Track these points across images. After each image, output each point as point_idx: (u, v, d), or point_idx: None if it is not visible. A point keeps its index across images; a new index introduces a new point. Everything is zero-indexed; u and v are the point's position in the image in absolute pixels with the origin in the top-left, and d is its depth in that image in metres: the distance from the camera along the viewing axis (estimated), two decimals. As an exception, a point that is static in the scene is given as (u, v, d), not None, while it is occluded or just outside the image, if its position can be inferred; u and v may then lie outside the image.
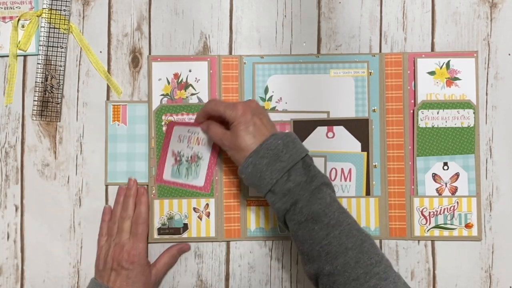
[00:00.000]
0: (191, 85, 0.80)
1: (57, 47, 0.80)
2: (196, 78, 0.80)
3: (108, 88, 0.81)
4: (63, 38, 0.80)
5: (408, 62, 0.79)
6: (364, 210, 0.79)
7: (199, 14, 0.82)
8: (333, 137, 0.79)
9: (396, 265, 0.79)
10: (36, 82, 0.81)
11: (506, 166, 0.79)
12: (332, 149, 0.79)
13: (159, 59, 0.80)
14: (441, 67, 0.79)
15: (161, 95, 0.80)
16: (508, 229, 0.79)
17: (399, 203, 0.79)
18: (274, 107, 0.80)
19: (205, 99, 0.80)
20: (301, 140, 0.79)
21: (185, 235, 0.79)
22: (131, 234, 0.75)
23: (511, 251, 0.79)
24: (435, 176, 0.78)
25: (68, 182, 0.80)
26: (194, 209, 0.79)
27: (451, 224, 0.78)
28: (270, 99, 0.80)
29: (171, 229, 0.79)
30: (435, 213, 0.78)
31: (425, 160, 0.78)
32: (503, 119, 0.80)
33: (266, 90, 0.80)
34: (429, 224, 0.78)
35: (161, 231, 0.79)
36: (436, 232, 0.78)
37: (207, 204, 0.79)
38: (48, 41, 0.80)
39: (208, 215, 0.79)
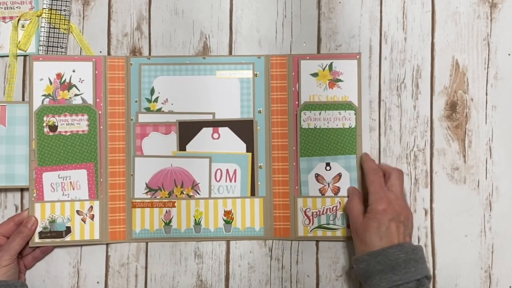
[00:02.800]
0: (75, 85, 0.79)
1: (57, 47, 0.79)
2: (80, 78, 0.79)
3: None
4: (63, 38, 0.79)
5: (293, 64, 0.80)
6: (249, 210, 0.79)
7: (199, 14, 0.81)
8: (218, 138, 0.80)
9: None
10: (35, 82, 0.80)
11: (506, 166, 0.80)
12: (218, 150, 0.79)
13: (40, 59, 0.78)
14: (324, 69, 0.80)
15: (43, 95, 0.78)
16: (508, 229, 0.79)
17: (284, 204, 0.79)
18: (160, 108, 0.80)
19: (90, 100, 0.79)
20: (187, 142, 0.80)
21: (68, 238, 0.78)
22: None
23: (511, 251, 0.79)
24: (318, 177, 0.79)
25: None
26: (78, 211, 0.78)
27: (333, 224, 0.79)
28: (156, 100, 0.80)
29: (53, 233, 0.78)
30: (318, 213, 0.79)
31: (308, 161, 0.79)
32: (502, 119, 0.80)
33: (152, 91, 0.80)
34: (312, 224, 0.79)
35: (42, 234, 0.77)
36: (319, 232, 0.79)
37: (91, 207, 0.78)
38: (48, 41, 0.79)
39: (92, 217, 0.78)
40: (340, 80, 0.80)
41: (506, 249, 0.79)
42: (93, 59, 0.79)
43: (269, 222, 0.79)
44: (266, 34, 0.81)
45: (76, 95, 0.79)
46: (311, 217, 0.79)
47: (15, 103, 0.78)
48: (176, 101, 0.80)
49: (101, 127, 0.79)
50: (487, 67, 0.81)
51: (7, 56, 0.80)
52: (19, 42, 0.80)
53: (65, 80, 0.79)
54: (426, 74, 0.81)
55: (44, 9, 0.80)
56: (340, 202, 0.79)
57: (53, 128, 0.78)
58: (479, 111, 0.80)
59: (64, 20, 0.80)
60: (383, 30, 0.81)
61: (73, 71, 0.79)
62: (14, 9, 0.80)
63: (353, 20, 0.81)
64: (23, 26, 0.80)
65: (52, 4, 0.80)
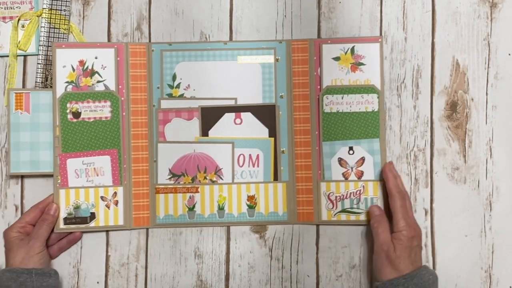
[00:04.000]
0: (97, 72, 0.79)
1: (57, 47, 0.80)
2: (102, 65, 0.79)
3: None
4: (63, 38, 0.80)
5: (314, 48, 0.80)
6: (272, 195, 0.79)
7: (199, 14, 0.81)
8: (240, 123, 0.80)
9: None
10: (36, 82, 0.80)
11: (506, 166, 0.79)
12: (240, 135, 0.79)
13: (63, 46, 0.79)
14: (346, 53, 0.79)
15: (66, 82, 0.79)
16: (508, 229, 0.79)
17: (307, 188, 0.79)
18: (182, 94, 0.80)
19: (112, 87, 0.79)
20: (209, 127, 0.80)
21: (92, 224, 0.78)
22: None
23: (511, 251, 0.79)
24: (341, 161, 0.79)
25: None
26: (102, 197, 0.78)
27: (357, 208, 0.78)
28: (178, 86, 0.80)
29: (78, 219, 0.78)
30: (341, 197, 0.79)
31: (331, 145, 0.79)
32: (503, 119, 0.80)
33: (174, 77, 0.80)
34: (335, 209, 0.79)
35: (67, 220, 0.78)
36: (343, 217, 0.79)
37: (115, 193, 0.79)
38: (48, 41, 0.80)
39: (116, 203, 0.79)
40: (362, 64, 0.79)
41: (506, 249, 0.79)
42: (115, 46, 0.80)
43: (293, 207, 0.79)
44: (266, 34, 0.81)
45: (98, 81, 0.79)
46: (334, 201, 0.79)
47: (39, 90, 0.79)
48: (198, 87, 0.80)
49: (124, 114, 0.79)
50: (488, 67, 0.80)
51: (7, 56, 0.80)
52: (19, 42, 0.80)
53: (87, 67, 0.79)
54: (426, 74, 0.80)
55: (44, 9, 0.80)
56: (363, 186, 0.78)
57: (77, 114, 0.78)
58: (479, 111, 0.80)
59: (64, 20, 0.80)
60: (383, 30, 0.81)
61: (96, 57, 0.79)
62: (14, 9, 0.80)
63: (353, 20, 0.81)
64: (23, 26, 0.80)
65: (52, 4, 0.80)
